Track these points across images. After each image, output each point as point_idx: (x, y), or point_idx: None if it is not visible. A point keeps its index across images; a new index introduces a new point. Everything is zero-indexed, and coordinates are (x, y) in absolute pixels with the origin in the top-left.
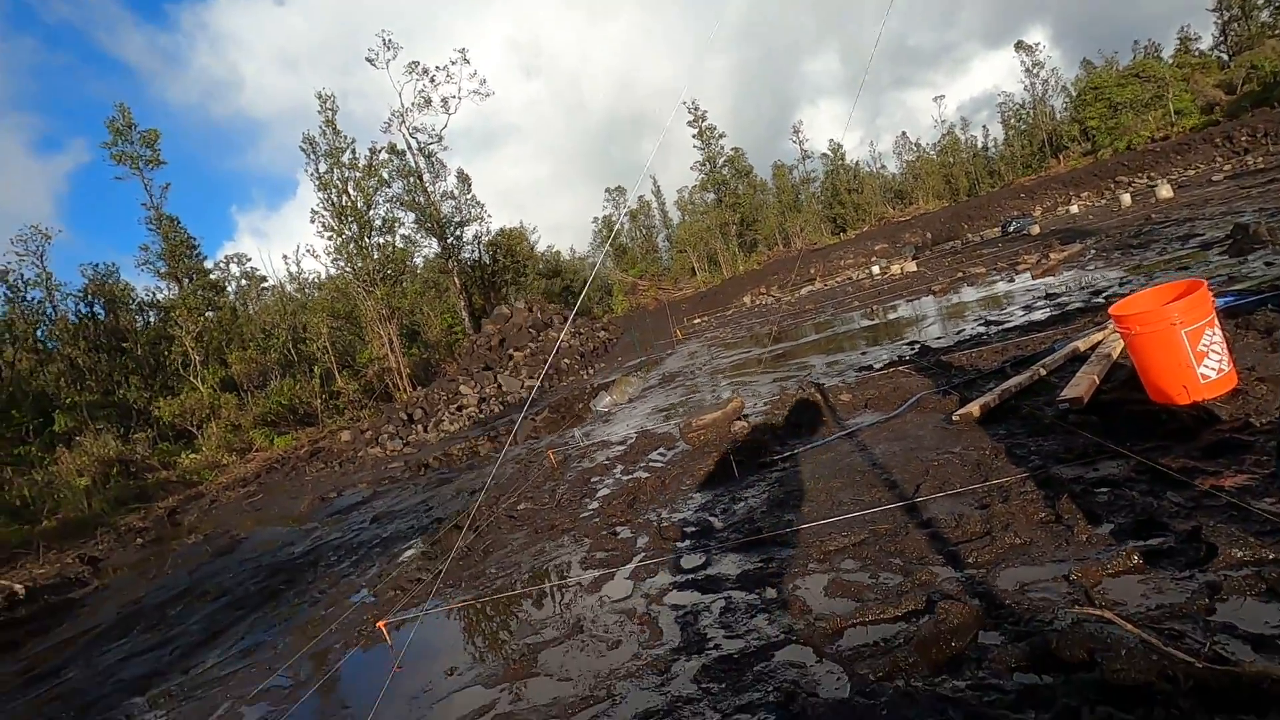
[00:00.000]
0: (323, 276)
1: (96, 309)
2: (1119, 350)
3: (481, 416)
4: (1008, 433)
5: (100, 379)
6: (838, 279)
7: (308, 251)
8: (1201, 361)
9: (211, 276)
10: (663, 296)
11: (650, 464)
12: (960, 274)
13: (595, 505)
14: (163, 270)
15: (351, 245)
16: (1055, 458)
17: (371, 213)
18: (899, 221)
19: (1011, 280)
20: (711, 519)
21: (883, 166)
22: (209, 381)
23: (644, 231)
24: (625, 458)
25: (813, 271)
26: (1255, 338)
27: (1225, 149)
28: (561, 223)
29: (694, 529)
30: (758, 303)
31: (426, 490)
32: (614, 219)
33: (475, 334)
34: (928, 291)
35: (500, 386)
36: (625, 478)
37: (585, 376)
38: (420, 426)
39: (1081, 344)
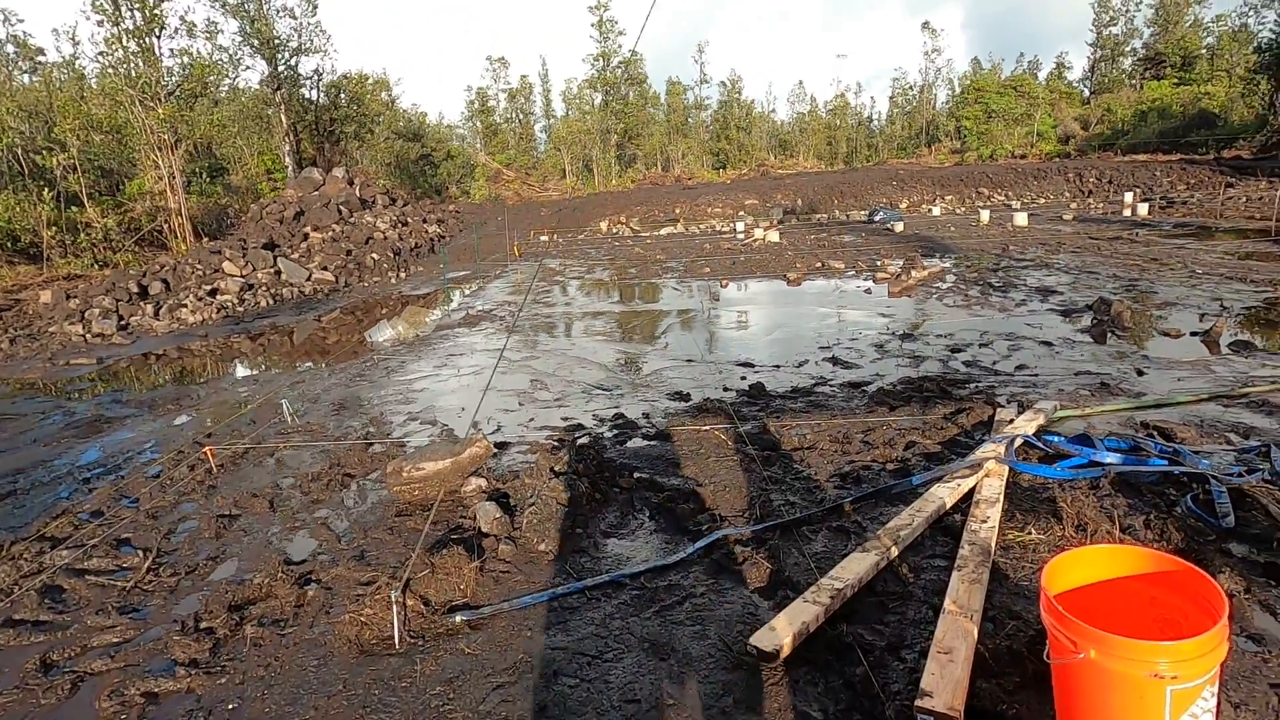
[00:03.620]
0: (87, 71)
1: None
2: (994, 539)
3: (240, 310)
4: None
5: None
6: (701, 225)
7: (67, 37)
8: None
9: None
10: (525, 193)
11: (318, 523)
12: (819, 264)
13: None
14: None
15: (130, 42)
16: None
17: (166, 5)
18: (776, 176)
19: (869, 291)
20: None
21: (773, 110)
22: None
23: (521, 116)
24: (307, 486)
25: (677, 211)
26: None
27: (1074, 185)
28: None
29: None
30: (613, 231)
31: (76, 440)
32: (489, 91)
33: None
34: (782, 275)
35: (279, 273)
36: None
37: (395, 280)
38: (151, 307)
39: (949, 494)
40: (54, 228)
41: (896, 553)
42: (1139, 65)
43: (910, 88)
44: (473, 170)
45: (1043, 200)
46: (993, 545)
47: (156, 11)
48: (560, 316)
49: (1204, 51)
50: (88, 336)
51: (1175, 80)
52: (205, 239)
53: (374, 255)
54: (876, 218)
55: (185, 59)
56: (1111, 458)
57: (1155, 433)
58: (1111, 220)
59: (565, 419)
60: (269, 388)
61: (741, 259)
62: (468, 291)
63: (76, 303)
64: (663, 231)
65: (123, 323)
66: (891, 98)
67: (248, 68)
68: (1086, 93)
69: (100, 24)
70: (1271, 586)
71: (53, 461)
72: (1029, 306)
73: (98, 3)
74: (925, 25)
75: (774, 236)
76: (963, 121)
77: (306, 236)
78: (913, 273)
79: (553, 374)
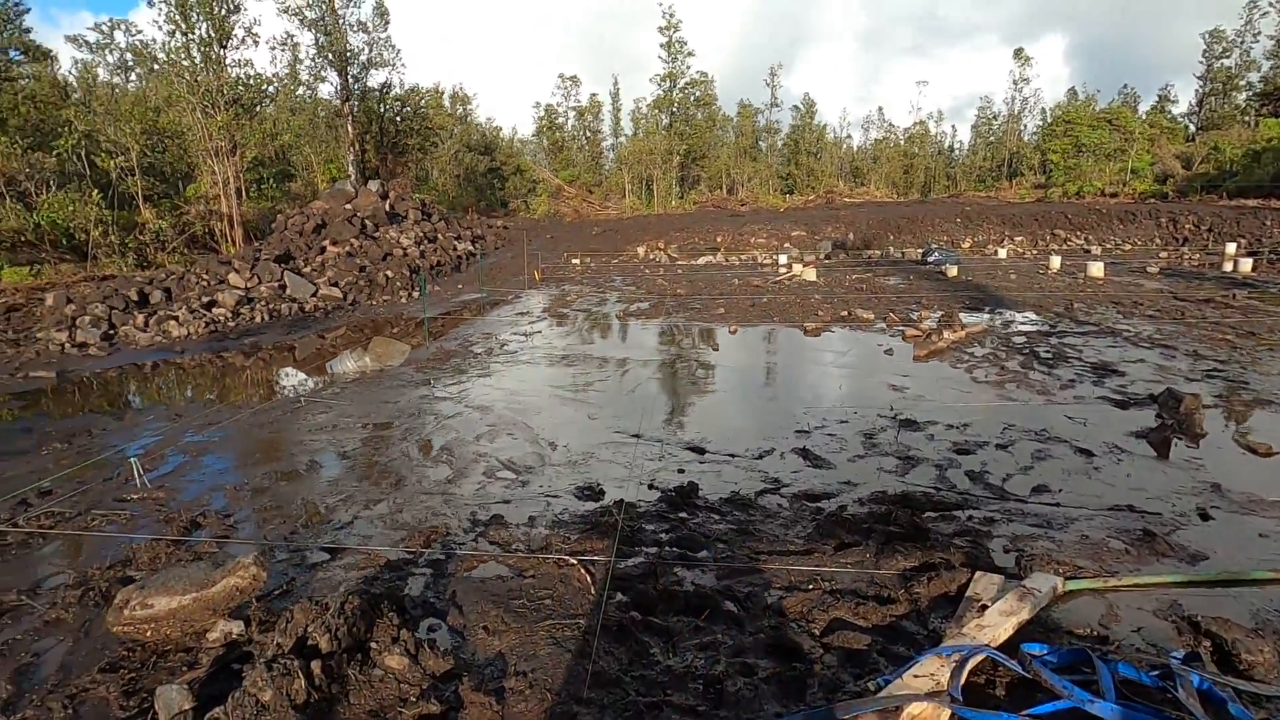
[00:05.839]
0: (145, 80)
1: None
2: None
3: (232, 325)
4: None
5: None
6: (742, 256)
7: (133, 40)
8: None
9: (31, 37)
10: (585, 210)
11: None
12: (846, 312)
13: None
14: None
15: (195, 51)
16: None
17: (235, 18)
18: (840, 204)
19: (890, 351)
20: None
21: (848, 136)
22: None
23: (589, 134)
24: (59, 596)
25: (718, 240)
26: None
27: (1166, 231)
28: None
29: None
30: (649, 257)
31: None
32: (558, 108)
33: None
34: (801, 324)
35: (284, 287)
36: None
37: (405, 300)
38: (143, 317)
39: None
40: (101, 227)
41: None
42: (1254, 100)
43: (995, 117)
44: (535, 186)
45: (1128, 246)
46: None
47: (225, 23)
48: (524, 360)
49: None
50: (67, 345)
51: None
52: (254, 242)
53: (388, 273)
54: (930, 259)
55: (248, 70)
56: (1110, 714)
57: (1207, 642)
58: (1206, 276)
59: (405, 524)
60: (178, 425)
61: (764, 299)
62: (460, 324)
63: (72, 308)
64: (700, 261)
65: (110, 332)
66: (975, 127)
67: (322, 79)
68: (1192, 129)
69: (171, 34)
70: None
71: None
72: (1078, 390)
73: (170, 13)
74: (1018, 53)
75: (810, 275)
76: (1049, 155)
77: (324, 250)
78: (946, 332)
79: (459, 441)
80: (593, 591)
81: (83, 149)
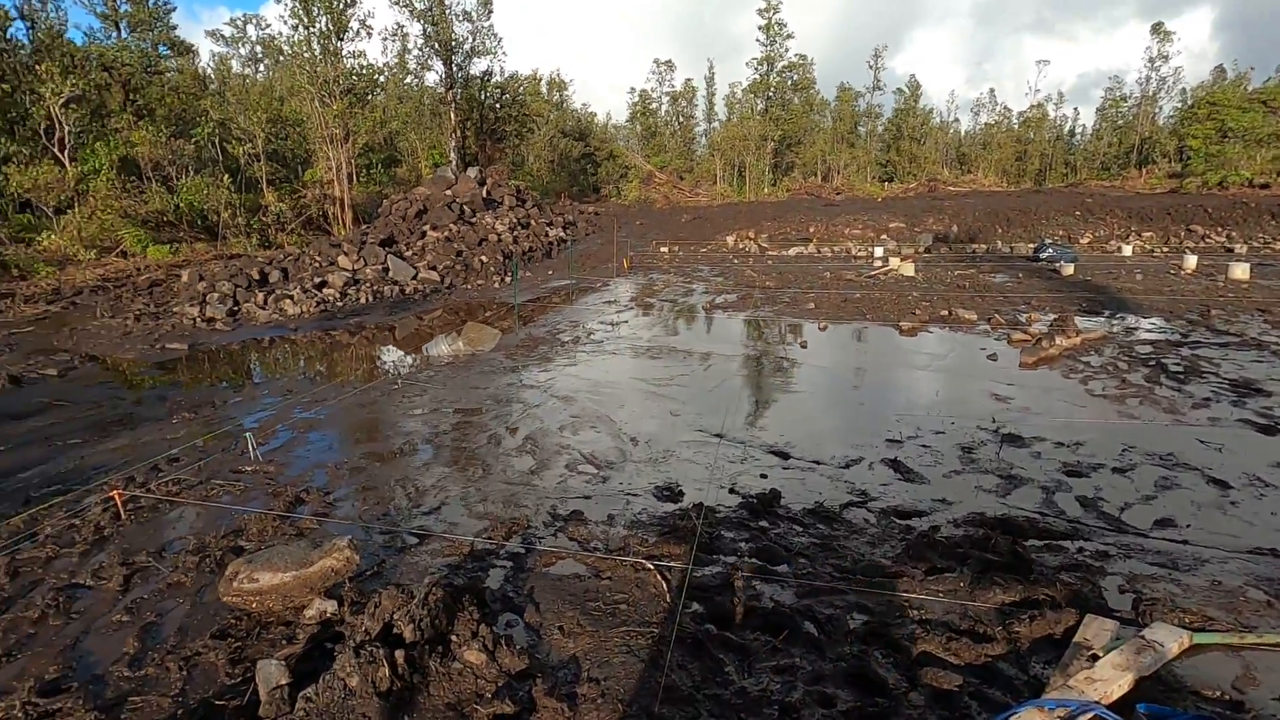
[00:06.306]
0: (270, 72)
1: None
2: None
3: (340, 305)
4: None
5: None
6: (835, 247)
7: (262, 34)
8: None
9: (176, 33)
10: (675, 197)
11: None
12: (946, 311)
13: None
14: (100, 9)
15: (315, 44)
16: None
17: (351, 11)
18: (943, 194)
19: (994, 356)
20: None
21: (955, 120)
22: (102, 157)
23: (682, 120)
24: (179, 561)
25: (811, 230)
26: None
27: None
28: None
29: None
30: (739, 247)
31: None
32: (652, 94)
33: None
34: (896, 323)
35: (386, 270)
36: None
37: (498, 284)
38: (263, 295)
39: None
40: (230, 209)
41: None
42: None
43: (1124, 99)
44: (627, 172)
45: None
46: None
47: (343, 17)
48: (609, 350)
49: None
50: (197, 319)
51: None
52: (362, 225)
53: (483, 258)
54: (1043, 255)
55: (361, 60)
56: None
57: None
58: None
59: (488, 513)
60: (288, 401)
61: (857, 295)
62: (548, 311)
63: (204, 285)
64: (791, 252)
65: (234, 308)
66: (1100, 109)
67: (428, 68)
68: None
69: (295, 28)
70: None
71: (22, 471)
72: (1213, 410)
73: (294, 8)
74: (1156, 27)
75: (908, 269)
76: (1187, 141)
77: (424, 235)
78: (1058, 338)
79: (543, 431)
80: (668, 599)
81: (216, 136)
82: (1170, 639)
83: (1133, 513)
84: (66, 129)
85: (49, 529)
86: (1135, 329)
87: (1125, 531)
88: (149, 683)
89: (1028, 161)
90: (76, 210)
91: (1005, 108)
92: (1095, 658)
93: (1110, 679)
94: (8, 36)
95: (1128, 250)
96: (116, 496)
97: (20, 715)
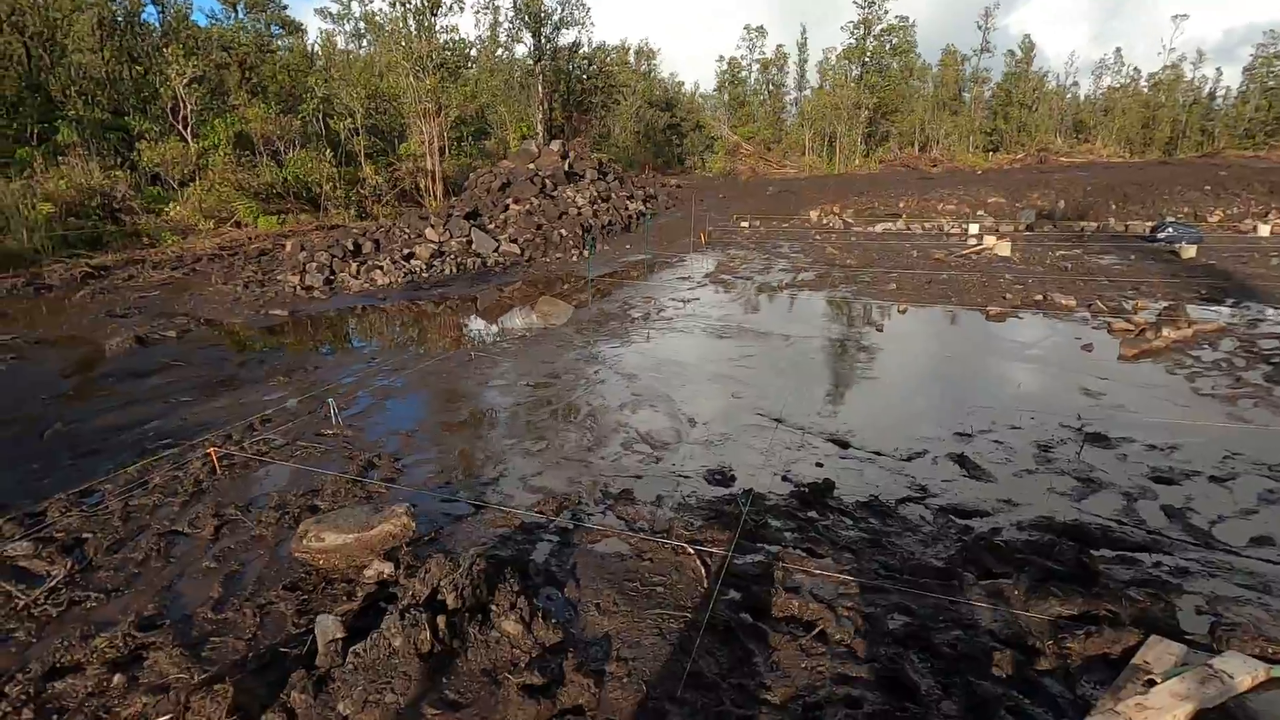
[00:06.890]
0: (371, 48)
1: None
2: None
3: (425, 276)
4: None
5: (118, 96)
6: (925, 224)
7: (365, 9)
8: None
9: (286, 11)
10: (762, 169)
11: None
12: (1041, 297)
13: None
14: None
15: (410, 20)
16: None
17: None
18: (1054, 165)
19: (1090, 346)
20: None
21: (1074, 83)
22: (220, 133)
23: (772, 88)
24: (263, 515)
25: (901, 205)
26: None
27: None
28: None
29: None
30: (823, 221)
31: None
32: (741, 62)
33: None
34: (983, 307)
35: (470, 242)
36: None
37: (576, 258)
38: (356, 265)
39: None
40: (331, 182)
41: None
42: None
43: (1277, 57)
44: (713, 143)
45: None
46: None
47: None
48: (679, 328)
49: None
50: (298, 288)
51: None
52: (450, 198)
53: (562, 231)
54: (1161, 235)
55: (454, 35)
56: None
57: None
58: None
59: (542, 487)
60: (370, 368)
61: (944, 276)
62: (622, 284)
63: (304, 255)
64: (877, 228)
65: (330, 278)
66: (1249, 69)
67: (518, 40)
68: None
69: (392, 4)
70: None
71: (142, 425)
72: None
73: None
74: None
75: (1004, 249)
76: None
77: (507, 208)
78: (1166, 329)
79: (604, 408)
80: (705, 584)
81: (320, 112)
82: (1243, 670)
83: (1225, 527)
84: (189, 107)
85: (157, 479)
86: (1260, 321)
87: (1213, 547)
88: (227, 626)
89: (1156, 128)
90: (198, 183)
91: (1134, 69)
92: (1152, 682)
93: (1164, 708)
94: (141, 20)
95: (1265, 230)
96: (212, 453)
97: (121, 644)
